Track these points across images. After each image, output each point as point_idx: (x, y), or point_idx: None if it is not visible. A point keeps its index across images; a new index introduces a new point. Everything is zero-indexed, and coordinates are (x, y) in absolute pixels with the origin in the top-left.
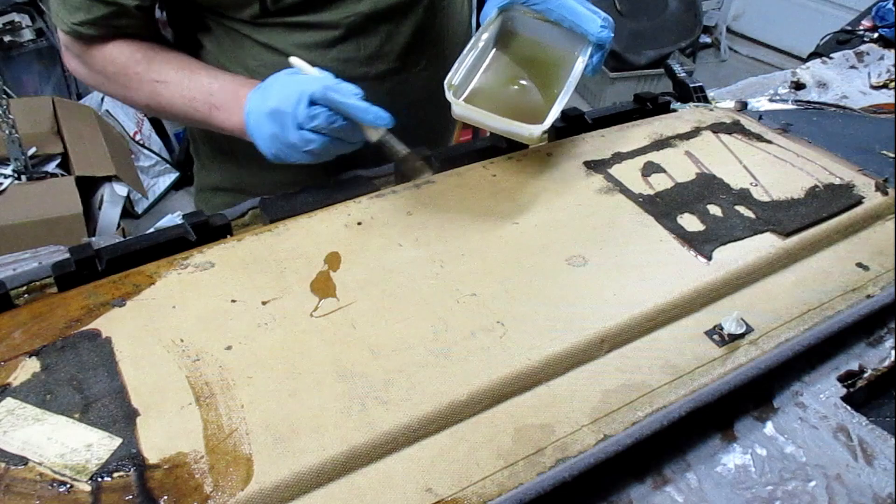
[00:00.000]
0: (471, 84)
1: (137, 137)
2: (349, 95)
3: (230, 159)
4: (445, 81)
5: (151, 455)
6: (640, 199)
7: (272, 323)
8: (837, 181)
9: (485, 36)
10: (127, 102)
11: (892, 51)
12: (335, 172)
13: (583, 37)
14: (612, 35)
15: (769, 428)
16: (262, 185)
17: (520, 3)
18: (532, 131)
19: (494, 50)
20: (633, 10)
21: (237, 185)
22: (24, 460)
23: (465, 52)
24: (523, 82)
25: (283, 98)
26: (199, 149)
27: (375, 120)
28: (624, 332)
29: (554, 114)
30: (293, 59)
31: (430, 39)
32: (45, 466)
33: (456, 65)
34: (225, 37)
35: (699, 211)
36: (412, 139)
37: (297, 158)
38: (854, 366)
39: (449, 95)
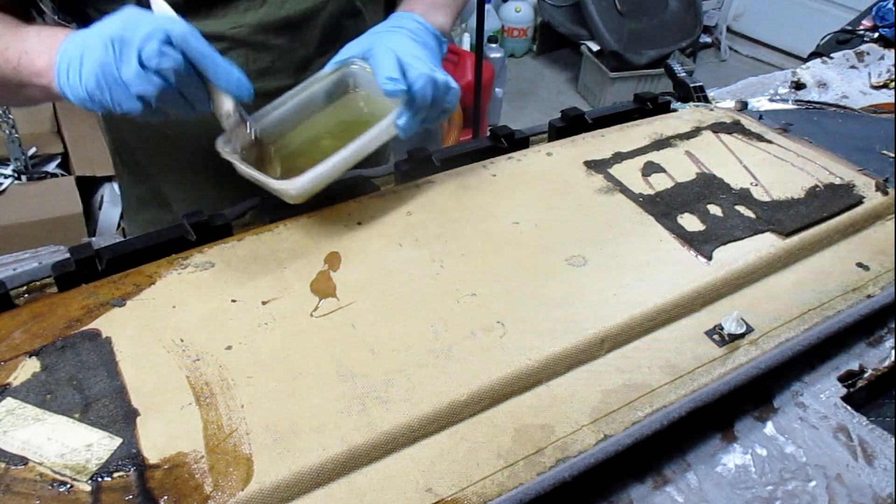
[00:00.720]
0: (287, 134)
1: None
2: (212, 49)
3: (150, 172)
4: (217, 140)
5: (151, 455)
6: (640, 199)
7: (272, 323)
8: (837, 181)
9: (310, 90)
10: None
11: (892, 51)
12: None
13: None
14: (413, 89)
15: (769, 428)
16: (184, 200)
17: (357, 59)
18: (287, 189)
19: (328, 106)
20: (633, 10)
21: (161, 200)
22: (24, 460)
23: (283, 98)
24: (326, 141)
25: (132, 27)
26: (118, 164)
27: (234, 84)
28: (624, 332)
29: (313, 173)
30: (156, 1)
31: (331, 58)
32: (45, 466)
33: (268, 107)
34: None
35: (699, 211)
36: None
37: (119, 101)
38: (854, 366)
39: (218, 145)
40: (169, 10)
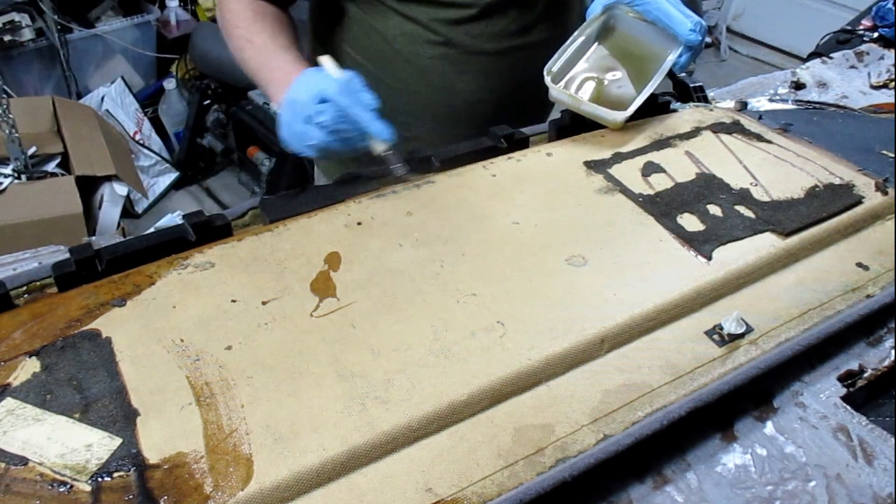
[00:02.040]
0: (570, 72)
1: (137, 137)
2: (360, 105)
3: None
4: (545, 68)
5: (151, 455)
6: (640, 199)
7: (272, 323)
8: (837, 181)
9: (588, 30)
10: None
11: (892, 51)
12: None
13: (675, 37)
14: (702, 38)
15: (769, 428)
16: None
17: (623, 3)
18: (616, 117)
19: (596, 44)
20: None
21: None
22: (24, 460)
23: (567, 43)
24: (617, 74)
25: (302, 90)
26: None
27: (379, 133)
28: (624, 332)
29: (636, 103)
30: (322, 59)
31: (550, 25)
32: (45, 466)
33: (557, 54)
34: (370, 5)
35: (699, 211)
36: (520, 112)
37: (301, 149)
38: (854, 366)
39: (547, 80)
40: (333, 69)
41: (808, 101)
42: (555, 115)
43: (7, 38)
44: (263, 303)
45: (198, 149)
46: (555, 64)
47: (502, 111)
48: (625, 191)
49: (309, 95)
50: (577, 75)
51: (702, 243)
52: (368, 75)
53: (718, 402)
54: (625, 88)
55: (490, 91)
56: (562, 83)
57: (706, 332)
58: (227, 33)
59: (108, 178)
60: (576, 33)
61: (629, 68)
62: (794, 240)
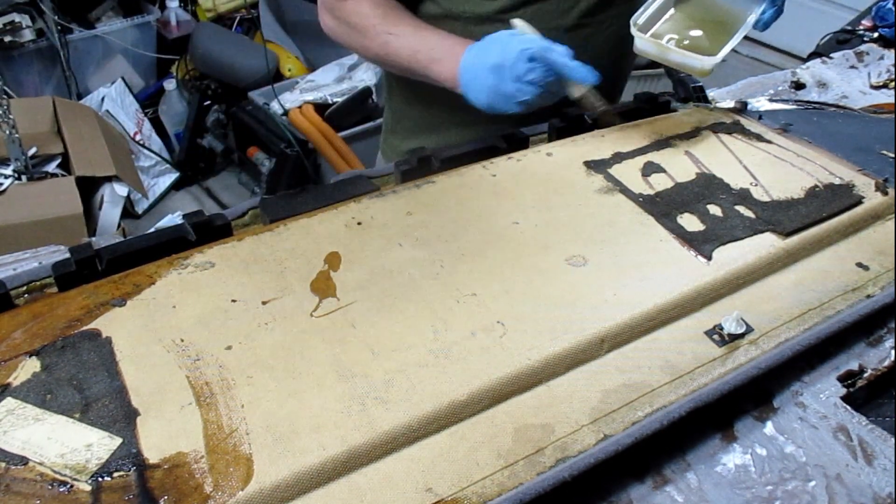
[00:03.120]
0: (652, 29)
1: (137, 137)
2: (563, 55)
3: (424, 100)
4: (632, 20)
5: (151, 455)
6: (640, 199)
7: (272, 323)
8: (837, 181)
9: None
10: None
11: (892, 51)
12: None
13: None
14: None
15: (769, 428)
16: (451, 124)
17: None
18: (704, 63)
19: (673, 10)
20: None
21: (430, 125)
22: (24, 460)
23: (649, 1)
24: (698, 33)
25: (505, 54)
26: (394, 95)
27: (584, 77)
28: (624, 332)
29: (726, 50)
30: (516, 21)
31: (617, 3)
32: (46, 466)
33: (642, 9)
34: None
35: (699, 211)
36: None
37: (508, 108)
38: (854, 366)
39: (634, 31)
40: (528, 29)
41: (808, 101)
42: (626, 96)
43: (7, 38)
44: (263, 303)
45: (198, 149)
46: (640, 17)
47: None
48: (625, 191)
49: (515, 57)
50: (659, 33)
51: (702, 243)
52: None
53: (718, 402)
54: (705, 45)
55: None
56: (647, 34)
57: (706, 332)
58: (361, 34)
59: (109, 179)
60: None
61: (709, 31)
62: (794, 240)
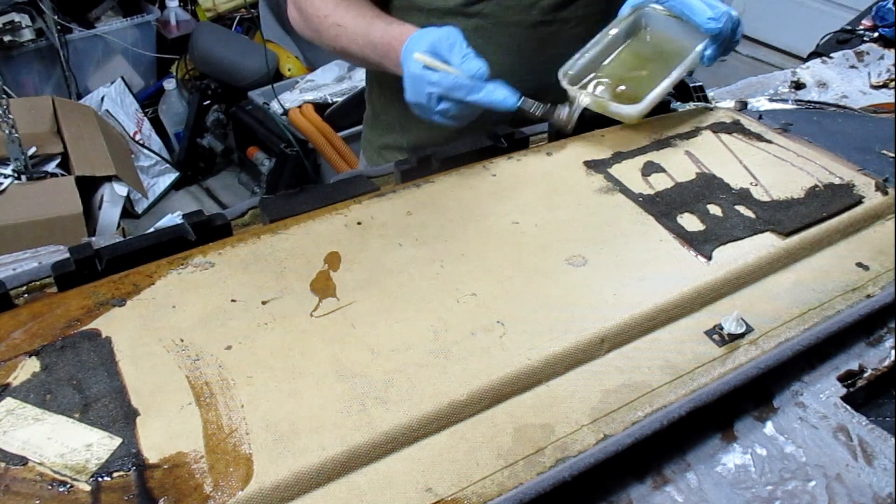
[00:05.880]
0: (592, 73)
1: (137, 137)
2: (470, 88)
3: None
4: (561, 71)
5: (151, 455)
6: (640, 199)
7: (272, 323)
8: (837, 181)
9: (612, 31)
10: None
11: (892, 50)
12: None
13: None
14: (723, 26)
15: (769, 428)
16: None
17: (651, 1)
18: (631, 112)
19: (625, 44)
20: None
21: (409, 120)
22: (23, 460)
23: (588, 45)
24: (643, 73)
25: (417, 95)
26: (374, 90)
27: (502, 103)
28: (624, 332)
29: (651, 97)
30: (418, 56)
31: (582, 3)
32: (45, 466)
33: (576, 56)
34: None
35: (699, 211)
36: (551, 88)
37: (430, 119)
38: (854, 366)
39: (563, 83)
40: (432, 62)
41: (808, 101)
42: None
43: (7, 38)
44: (263, 303)
45: (198, 149)
46: (573, 67)
47: (529, 88)
48: (625, 191)
49: (427, 97)
50: (598, 76)
51: (702, 243)
52: None
53: (718, 402)
54: (647, 86)
55: (520, 66)
56: (580, 84)
57: (706, 332)
58: (315, 28)
59: (108, 179)
60: (598, 35)
61: (659, 67)
62: (794, 240)
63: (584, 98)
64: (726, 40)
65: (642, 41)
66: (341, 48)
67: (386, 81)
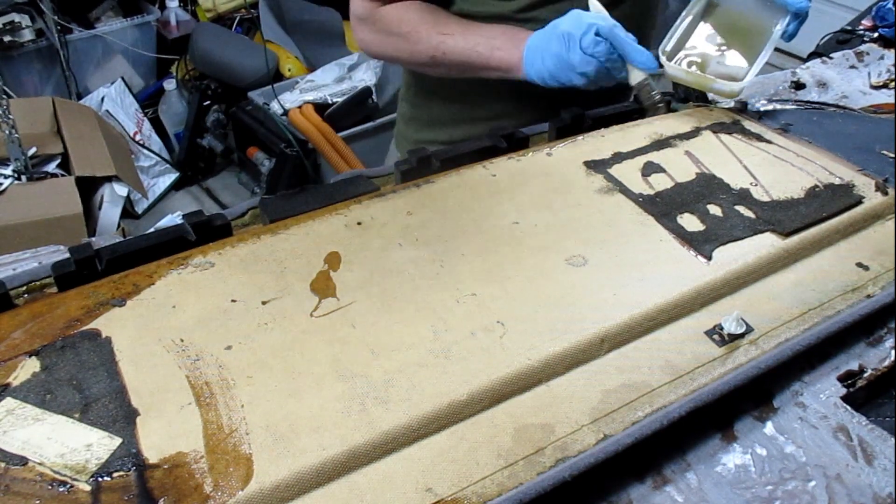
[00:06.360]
0: (681, 50)
1: (137, 138)
2: (629, 37)
3: (444, 95)
4: (659, 49)
5: (151, 455)
6: (640, 199)
7: (272, 323)
8: (837, 181)
9: (694, 10)
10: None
11: (892, 51)
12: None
13: (782, 7)
14: (810, 4)
15: (769, 428)
16: (468, 119)
17: None
18: (733, 87)
19: (702, 22)
20: None
21: (447, 119)
22: (23, 460)
23: (676, 23)
24: (726, 49)
25: (576, 25)
26: (411, 89)
27: (645, 62)
28: (624, 332)
29: (752, 73)
30: (592, 2)
31: (629, 4)
32: (45, 466)
33: (669, 34)
34: None
35: (699, 211)
36: (602, 90)
37: (569, 79)
38: (854, 366)
39: (662, 59)
40: (601, 10)
41: (808, 101)
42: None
43: (7, 38)
44: (263, 303)
45: (198, 149)
46: (667, 44)
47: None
48: (625, 191)
49: (585, 29)
50: (689, 54)
51: (702, 243)
52: None
53: (718, 402)
54: (735, 62)
55: None
56: (675, 61)
57: (706, 332)
58: (413, 41)
59: (109, 179)
60: (683, 14)
61: (736, 44)
62: (794, 240)
63: (686, 76)
64: (804, 18)
65: (719, 18)
66: (443, 54)
67: (431, 81)
